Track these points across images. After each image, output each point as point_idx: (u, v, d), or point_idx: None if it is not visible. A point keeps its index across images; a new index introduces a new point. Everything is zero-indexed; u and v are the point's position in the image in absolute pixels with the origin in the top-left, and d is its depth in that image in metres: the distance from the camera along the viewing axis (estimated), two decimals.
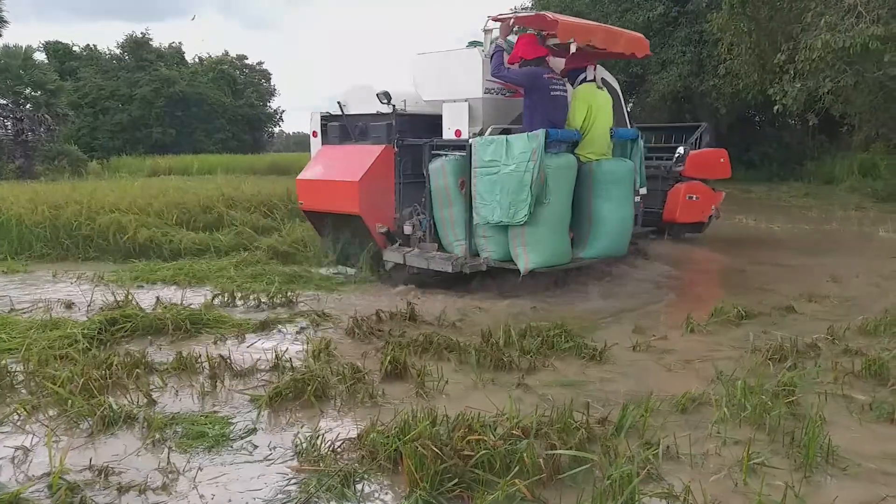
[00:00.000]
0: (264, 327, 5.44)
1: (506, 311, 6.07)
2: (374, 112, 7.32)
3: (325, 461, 3.09)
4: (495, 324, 5.24)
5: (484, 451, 2.88)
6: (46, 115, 27.57)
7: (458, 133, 6.93)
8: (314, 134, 7.97)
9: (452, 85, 7.10)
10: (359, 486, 2.92)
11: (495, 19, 7.09)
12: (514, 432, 3.11)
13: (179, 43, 49.38)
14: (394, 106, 7.15)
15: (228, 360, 4.41)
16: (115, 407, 3.58)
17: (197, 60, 50.65)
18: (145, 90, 42.69)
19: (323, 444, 3.22)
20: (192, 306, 5.72)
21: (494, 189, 6.36)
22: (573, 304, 6.47)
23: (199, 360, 4.42)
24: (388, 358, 4.28)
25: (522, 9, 29.25)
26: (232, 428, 3.50)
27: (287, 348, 4.73)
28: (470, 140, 6.66)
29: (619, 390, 4.01)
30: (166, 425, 3.45)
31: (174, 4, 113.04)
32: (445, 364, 4.51)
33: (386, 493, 2.90)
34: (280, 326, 5.53)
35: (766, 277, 7.60)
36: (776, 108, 14.59)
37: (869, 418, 3.58)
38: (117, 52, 46.64)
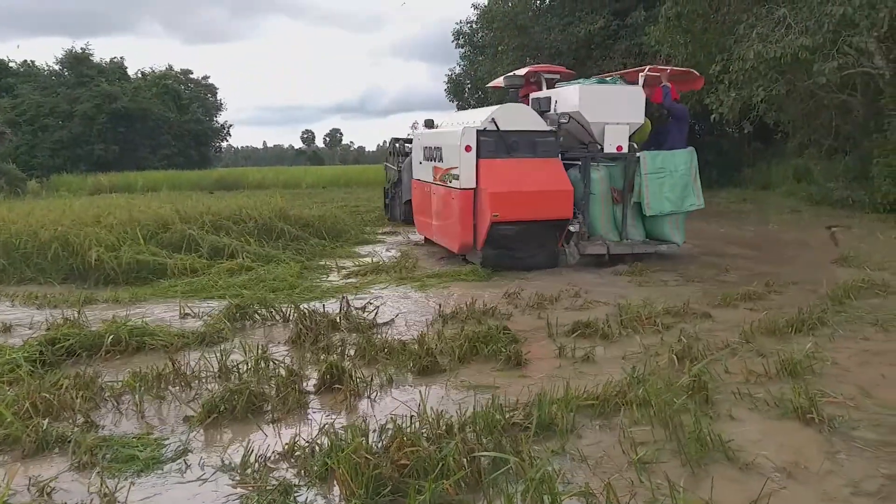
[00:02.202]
0: (204, 339, 5.40)
1: None
2: (547, 129, 8.83)
3: (261, 477, 3.09)
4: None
5: (417, 460, 2.93)
6: None
7: (619, 148, 8.96)
8: (467, 148, 8.59)
9: (616, 111, 8.99)
10: (300, 499, 2.93)
11: (654, 70, 9.42)
12: (439, 432, 3.20)
13: (121, 58, 48.51)
14: (560, 125, 8.80)
15: (169, 376, 4.38)
16: (44, 428, 3.51)
17: (140, 75, 49.75)
18: (86, 106, 41.68)
19: (258, 460, 3.23)
20: (131, 321, 5.62)
21: (663, 189, 8.99)
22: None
23: (144, 376, 4.36)
24: (325, 366, 4.32)
25: (466, 23, 29.65)
26: (164, 450, 3.45)
27: (230, 358, 4.67)
28: (639, 153, 8.99)
29: (537, 392, 3.98)
30: (96, 448, 3.38)
31: (116, 19, 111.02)
32: (382, 366, 4.65)
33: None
34: (223, 334, 5.54)
35: (698, 287, 7.77)
36: (713, 116, 15.05)
37: (773, 415, 3.69)
38: (56, 67, 45.51)
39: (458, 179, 8.73)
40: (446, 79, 31.88)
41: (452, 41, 30.03)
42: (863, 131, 15.61)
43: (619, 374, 4.24)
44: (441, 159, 9.44)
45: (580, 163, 9.02)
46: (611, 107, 9.03)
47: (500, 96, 22.29)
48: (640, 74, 9.37)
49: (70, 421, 3.80)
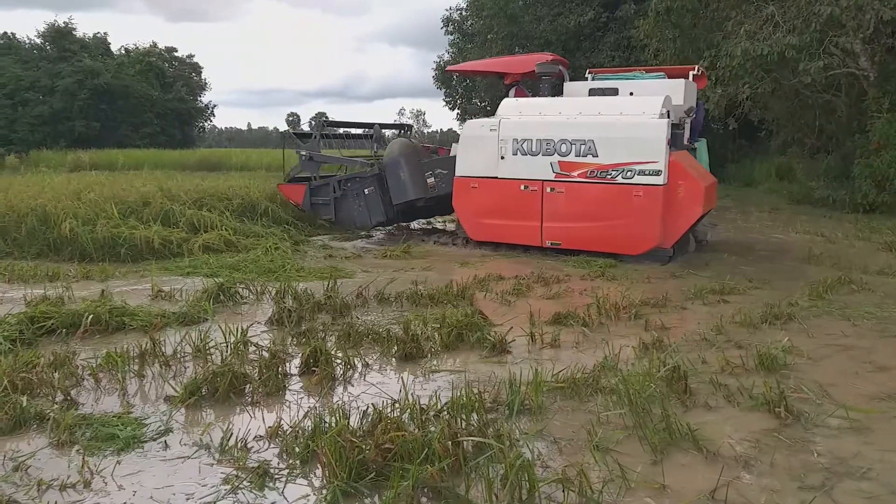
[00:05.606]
0: (184, 319, 5.36)
1: None
2: (679, 122, 8.93)
3: (243, 457, 3.09)
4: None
5: (403, 444, 2.94)
6: None
7: (688, 140, 9.30)
8: (668, 141, 8.41)
9: (690, 106, 9.31)
10: (280, 480, 2.93)
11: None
12: (425, 417, 3.24)
13: (105, 33, 47.78)
14: (684, 118, 9.03)
15: (150, 356, 4.36)
16: (24, 405, 3.48)
17: (123, 52, 49.05)
18: (68, 81, 41.04)
19: (239, 442, 3.23)
20: (116, 300, 5.58)
21: None
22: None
23: (123, 355, 4.33)
24: (308, 350, 4.32)
25: (456, 10, 29.50)
26: (145, 429, 3.42)
27: (211, 340, 4.66)
28: (695, 144, 9.55)
29: (511, 376, 4.00)
30: (76, 426, 3.36)
31: None
32: (366, 351, 4.69)
33: (306, 486, 2.92)
34: (202, 316, 5.50)
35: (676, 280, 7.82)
36: None
37: (745, 407, 3.75)
38: (38, 41, 44.75)
39: (653, 175, 8.16)
40: (434, 66, 31.74)
41: (442, 28, 29.92)
42: (846, 131, 15.77)
43: (594, 361, 4.32)
44: (594, 153, 8.56)
45: None
46: (689, 102, 9.40)
47: (478, 83, 22.26)
48: (691, 72, 9.83)
49: (49, 398, 3.76)
